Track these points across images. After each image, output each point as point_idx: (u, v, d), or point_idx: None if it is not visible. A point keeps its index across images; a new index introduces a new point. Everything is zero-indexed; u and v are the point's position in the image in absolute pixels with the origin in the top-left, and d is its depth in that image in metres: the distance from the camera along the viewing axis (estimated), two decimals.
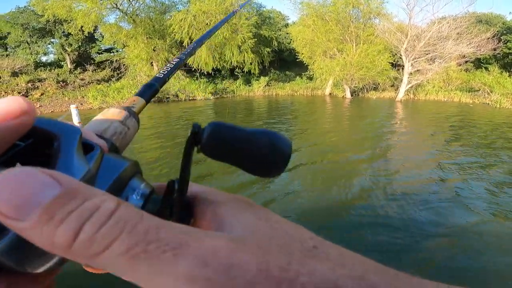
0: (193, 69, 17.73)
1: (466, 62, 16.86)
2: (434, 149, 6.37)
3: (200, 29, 15.72)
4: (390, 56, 16.32)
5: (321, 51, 16.79)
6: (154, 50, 17.04)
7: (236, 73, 18.55)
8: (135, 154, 6.16)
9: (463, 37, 15.01)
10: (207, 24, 15.55)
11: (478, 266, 2.50)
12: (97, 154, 0.19)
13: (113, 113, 0.28)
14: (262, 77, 18.92)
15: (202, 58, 16.43)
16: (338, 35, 16.30)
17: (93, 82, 16.13)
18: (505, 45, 16.98)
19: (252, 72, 18.02)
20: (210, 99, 15.84)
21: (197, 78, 17.75)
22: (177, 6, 17.79)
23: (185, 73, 18.28)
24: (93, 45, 18.42)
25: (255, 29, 16.76)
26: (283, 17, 26.93)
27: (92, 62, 17.89)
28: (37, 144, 0.18)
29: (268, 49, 17.77)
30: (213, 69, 17.39)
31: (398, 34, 15.75)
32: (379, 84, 17.48)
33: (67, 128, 0.18)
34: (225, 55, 16.67)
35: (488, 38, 14.95)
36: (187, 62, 17.27)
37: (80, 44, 17.56)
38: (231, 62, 17.08)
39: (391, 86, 17.49)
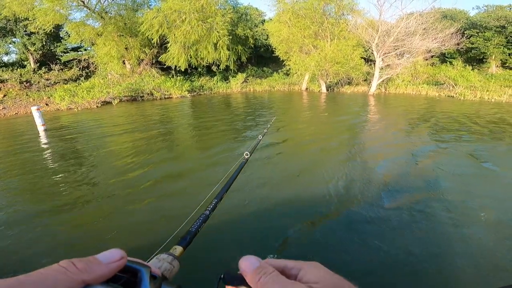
0: (169, 67, 17.35)
1: (432, 56, 17.76)
2: (404, 137, 6.84)
3: (174, 27, 15.44)
4: (362, 52, 16.82)
5: (297, 47, 16.97)
6: (126, 48, 16.49)
7: (213, 70, 18.34)
8: (106, 147, 6.17)
9: (429, 32, 15.71)
10: (182, 20, 15.24)
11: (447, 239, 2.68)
12: (158, 280, 0.34)
13: (163, 257, 0.47)
14: (239, 74, 18.85)
15: (175, 56, 16.09)
16: (313, 31, 16.53)
17: (59, 82, 15.31)
18: (468, 40, 18.05)
19: (229, 69, 17.89)
20: (187, 96, 15.57)
21: (172, 76, 17.36)
22: (150, 3, 17.26)
23: (159, 71, 17.81)
24: (59, 44, 17.41)
25: (230, 27, 16.60)
26: (260, 13, 26.89)
27: (58, 61, 16.93)
28: (131, 277, 0.32)
29: (244, 46, 17.70)
30: (189, 66, 17.09)
31: (370, 30, 16.24)
32: (353, 79, 18.01)
33: (143, 265, 0.33)
34: (201, 52, 16.42)
35: (452, 34, 15.79)
36: (161, 60, 16.82)
37: (44, 43, 16.54)
38: (207, 60, 16.86)
39: (364, 80, 18.08)
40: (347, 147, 6.06)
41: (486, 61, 18.03)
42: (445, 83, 15.57)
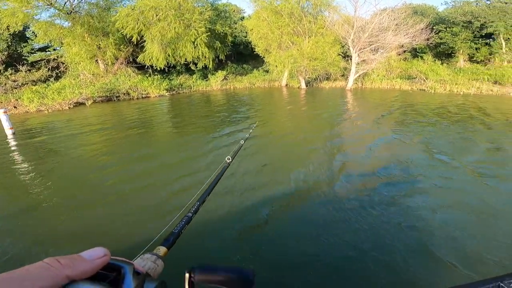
0: (146, 66, 16.91)
1: (405, 51, 18.43)
2: (372, 129, 7.25)
3: (150, 24, 15.08)
4: (340, 48, 17.17)
5: (276, 44, 17.06)
6: (99, 47, 15.92)
7: (191, 69, 18.06)
8: (78, 147, 6.04)
9: (400, 28, 16.26)
10: (158, 19, 14.95)
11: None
12: (141, 276, 0.37)
13: (147, 257, 0.50)
14: (219, 71, 18.70)
15: (154, 54, 15.73)
16: (292, 28, 16.67)
17: (28, 84, 14.53)
18: (437, 35, 18.86)
19: (208, 66, 17.70)
20: (165, 95, 15.27)
21: (150, 75, 16.93)
22: (123, 1, 16.70)
23: (136, 70, 17.32)
24: (25, 44, 16.49)
25: (209, 24, 16.42)
26: (239, 10, 26.74)
27: (25, 62, 16.05)
28: (117, 275, 0.34)
29: (223, 44, 17.55)
30: (167, 65, 16.73)
31: (346, 26, 16.58)
32: (331, 74, 18.36)
33: (127, 263, 0.36)
34: (180, 50, 16.15)
35: (422, 29, 16.43)
36: (140, 60, 16.33)
37: (9, 43, 15.61)
38: (185, 58, 16.60)
39: (342, 76, 18.49)
40: (319, 139, 6.35)
41: (454, 56, 18.96)
42: (417, 77, 16.24)
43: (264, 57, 17.91)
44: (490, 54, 17.79)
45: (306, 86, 17.75)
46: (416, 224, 2.97)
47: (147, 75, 16.83)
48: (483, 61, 18.14)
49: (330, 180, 4.08)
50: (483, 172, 4.33)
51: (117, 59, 16.90)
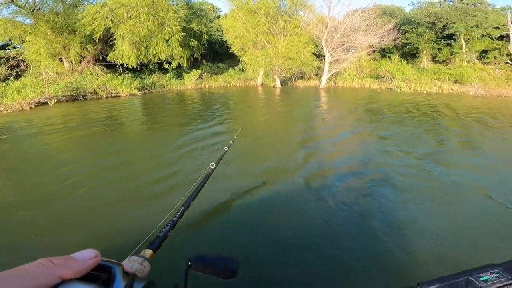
0: (116, 65, 16.27)
1: (374, 51, 19.17)
2: (346, 125, 7.74)
3: (121, 22, 14.59)
4: (313, 47, 17.52)
5: (252, 43, 17.08)
6: (63, 46, 15.17)
7: (165, 67, 17.62)
8: (38, 146, 5.79)
9: (370, 28, 16.89)
10: (129, 17, 14.48)
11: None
12: (130, 277, 0.39)
13: (134, 259, 0.54)
14: (194, 70, 18.41)
15: (125, 53, 15.19)
16: (268, 27, 16.75)
17: None
18: (403, 35, 19.77)
19: (182, 65, 17.38)
20: (137, 94, 14.80)
21: (120, 74, 16.32)
22: None
23: (105, 69, 16.64)
24: None
25: (184, 22, 16.15)
26: (215, 9, 26.50)
27: None
28: (108, 276, 0.36)
29: (198, 42, 17.29)
30: (139, 63, 16.23)
31: (320, 25, 16.94)
32: (305, 73, 18.71)
33: (116, 263, 0.38)
34: (153, 48, 15.74)
35: (390, 30, 17.17)
36: (109, 59, 15.76)
37: None
38: (159, 57, 16.22)
39: (316, 75, 18.89)
40: (290, 135, 6.64)
41: (418, 56, 20.00)
42: (385, 77, 16.96)
43: (239, 56, 17.88)
44: (451, 54, 18.96)
45: (281, 85, 17.97)
46: (378, 216, 3.15)
47: (117, 74, 16.21)
48: (445, 61, 19.30)
49: (294, 173, 4.34)
50: (435, 162, 4.73)
51: (83, 58, 16.19)
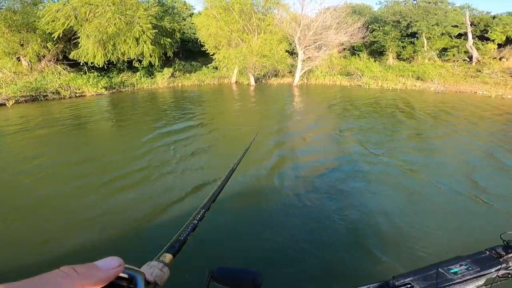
0: (80, 63, 15.43)
1: (344, 49, 19.78)
2: (322, 119, 8.24)
3: (85, 20, 13.96)
4: (287, 45, 17.71)
5: (226, 41, 16.93)
6: (21, 44, 14.20)
7: (135, 66, 16.97)
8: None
9: (341, 26, 17.37)
10: (94, 15, 13.83)
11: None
12: (151, 286, 0.39)
13: (154, 264, 0.51)
14: (166, 69, 17.91)
15: (90, 51, 14.46)
16: (241, 25, 16.66)
17: None
18: (371, 34, 20.57)
19: (154, 64, 16.87)
20: (104, 94, 14.16)
21: (85, 73, 15.52)
22: None
23: (68, 68, 15.75)
24: None
25: (156, 20, 15.67)
26: (188, 7, 25.94)
27: None
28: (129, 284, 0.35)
29: (170, 40, 16.83)
30: (106, 62, 15.53)
31: (293, 23, 17.14)
32: (279, 71, 18.90)
33: (138, 272, 0.37)
34: (121, 47, 15.15)
35: (359, 28, 17.78)
36: (72, 57, 15.08)
37: None
38: (128, 55, 15.63)
39: (289, 72, 19.15)
40: (261, 131, 6.78)
41: (385, 54, 20.93)
42: (354, 74, 17.58)
43: (213, 55, 17.65)
44: (414, 52, 20.06)
45: (255, 82, 18.02)
46: (348, 210, 3.32)
47: (81, 73, 15.42)
48: (408, 58, 20.38)
49: (261, 164, 4.61)
50: (393, 153, 5.17)
51: (44, 56, 15.26)
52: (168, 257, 0.56)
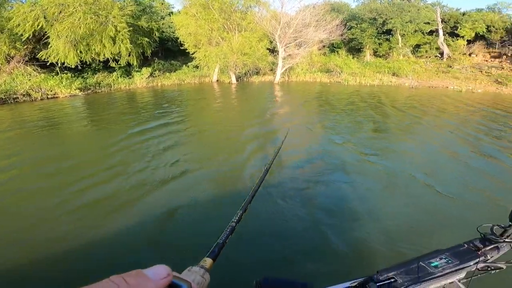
0: (52, 64, 14.75)
1: (324, 46, 20.09)
2: (304, 114, 8.59)
3: (56, 20, 13.42)
4: (268, 43, 17.73)
5: (206, 39, 16.71)
6: None
7: (112, 66, 16.42)
8: None
9: (320, 24, 17.62)
10: (65, 15, 13.37)
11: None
12: None
13: (195, 270, 0.48)
14: (144, 68, 17.49)
15: (61, 51, 13.87)
16: (222, 24, 16.49)
17: None
18: (349, 31, 20.99)
19: (132, 63, 16.41)
20: (78, 95, 13.65)
21: (57, 74, 14.87)
22: None
23: (38, 69, 15.03)
24: None
25: (132, 19, 15.22)
26: (167, 5, 25.40)
27: None
28: None
29: (147, 39, 16.40)
30: (80, 62, 14.95)
31: (273, 21, 17.18)
32: (260, 69, 18.92)
33: (185, 281, 0.35)
34: (95, 46, 14.64)
35: (337, 25, 18.11)
36: (40, 57, 14.51)
37: None
38: (104, 55, 15.12)
39: (271, 70, 19.22)
40: (241, 128, 6.98)
41: (362, 50, 21.46)
42: (334, 71, 17.92)
43: (193, 53, 17.39)
44: (390, 49, 20.69)
45: (237, 81, 17.96)
46: (323, 201, 3.47)
47: (53, 74, 14.77)
48: (384, 55, 21.02)
49: (240, 158, 4.76)
50: (373, 147, 5.36)
51: (13, 58, 14.51)
52: (208, 262, 0.54)
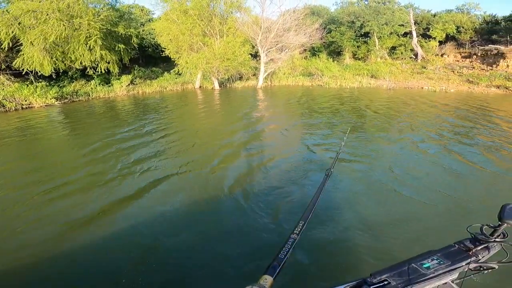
0: (26, 73, 14.19)
1: (305, 50, 20.45)
2: (288, 118, 8.91)
3: (28, 28, 13.10)
4: (250, 48, 17.81)
5: (187, 45, 16.58)
6: None
7: (90, 74, 15.97)
8: None
9: (300, 28, 17.89)
10: (38, 22, 13.03)
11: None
12: None
13: None
14: (124, 76, 17.11)
15: (35, 59, 13.39)
16: (202, 29, 16.42)
17: None
18: (329, 34, 21.49)
19: (112, 71, 16.04)
20: (55, 105, 13.18)
21: (31, 82, 14.32)
22: None
23: (12, 78, 14.42)
24: None
25: (109, 26, 14.88)
26: (147, 12, 25.03)
27: None
28: None
29: (125, 46, 16.07)
30: (55, 70, 14.47)
31: (254, 26, 17.29)
32: (243, 74, 18.99)
33: None
34: (71, 54, 14.23)
35: (317, 29, 18.46)
36: (16, 66, 13.93)
37: None
38: (81, 62, 14.72)
39: (253, 75, 19.34)
40: (223, 134, 7.01)
41: (342, 54, 22.03)
42: (315, 74, 18.26)
43: (175, 60, 17.20)
44: (368, 51, 21.35)
45: (220, 86, 17.93)
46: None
47: (27, 83, 14.21)
48: (363, 58, 21.66)
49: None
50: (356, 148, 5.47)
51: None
52: (269, 280, 0.50)
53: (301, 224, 0.72)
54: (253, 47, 18.17)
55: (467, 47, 21.07)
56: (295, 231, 0.69)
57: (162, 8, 17.16)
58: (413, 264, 0.73)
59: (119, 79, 16.77)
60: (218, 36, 16.91)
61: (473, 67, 18.28)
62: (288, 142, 6.37)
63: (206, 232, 3.11)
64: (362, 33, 21.41)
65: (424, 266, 0.74)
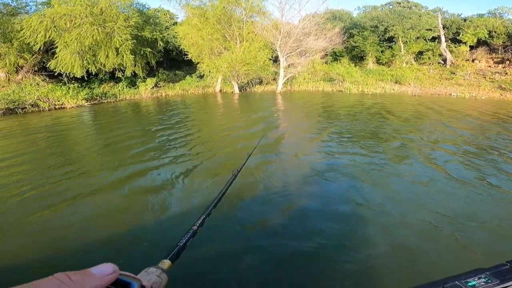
0: (59, 74, 15.18)
1: (326, 55, 20.25)
2: (307, 124, 8.75)
3: (64, 31, 13.91)
4: (269, 52, 17.93)
5: (208, 49, 17.00)
6: None
7: (118, 76, 16.80)
8: None
9: (320, 32, 17.78)
10: (73, 26, 13.87)
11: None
12: None
13: (152, 270, 0.50)
14: (149, 79, 17.80)
15: (67, 62, 14.30)
16: (222, 34, 16.79)
17: None
18: (352, 39, 21.17)
19: (136, 74, 16.79)
20: (85, 105, 13.93)
21: (65, 84, 15.26)
22: (30, 7, 15.16)
23: (47, 79, 15.45)
24: None
25: (136, 30, 15.66)
26: (172, 16, 25.95)
27: None
28: None
29: (151, 50, 16.80)
30: (87, 72, 15.36)
31: (274, 31, 17.41)
32: (263, 78, 19.12)
33: (134, 279, 0.38)
34: (100, 57, 15.08)
35: (338, 33, 18.24)
36: (50, 67, 14.90)
37: None
38: (108, 66, 15.55)
39: (273, 80, 19.40)
40: (243, 136, 6.98)
41: (365, 58, 21.58)
42: (336, 79, 18.00)
43: (197, 63, 17.69)
44: (392, 56, 20.77)
45: (240, 91, 18.14)
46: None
47: (61, 84, 15.17)
48: (387, 63, 21.09)
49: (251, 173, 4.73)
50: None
51: (22, 67, 14.98)
52: (166, 263, 0.56)
53: (202, 218, 0.75)
54: (273, 52, 18.28)
55: (499, 52, 19.93)
56: (196, 224, 0.72)
57: (184, 13, 17.68)
58: (457, 282, 0.69)
59: (144, 81, 17.47)
60: (238, 40, 17.18)
61: (506, 73, 17.24)
62: (300, 149, 6.25)
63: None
64: (386, 38, 20.89)
65: (469, 284, 0.69)
